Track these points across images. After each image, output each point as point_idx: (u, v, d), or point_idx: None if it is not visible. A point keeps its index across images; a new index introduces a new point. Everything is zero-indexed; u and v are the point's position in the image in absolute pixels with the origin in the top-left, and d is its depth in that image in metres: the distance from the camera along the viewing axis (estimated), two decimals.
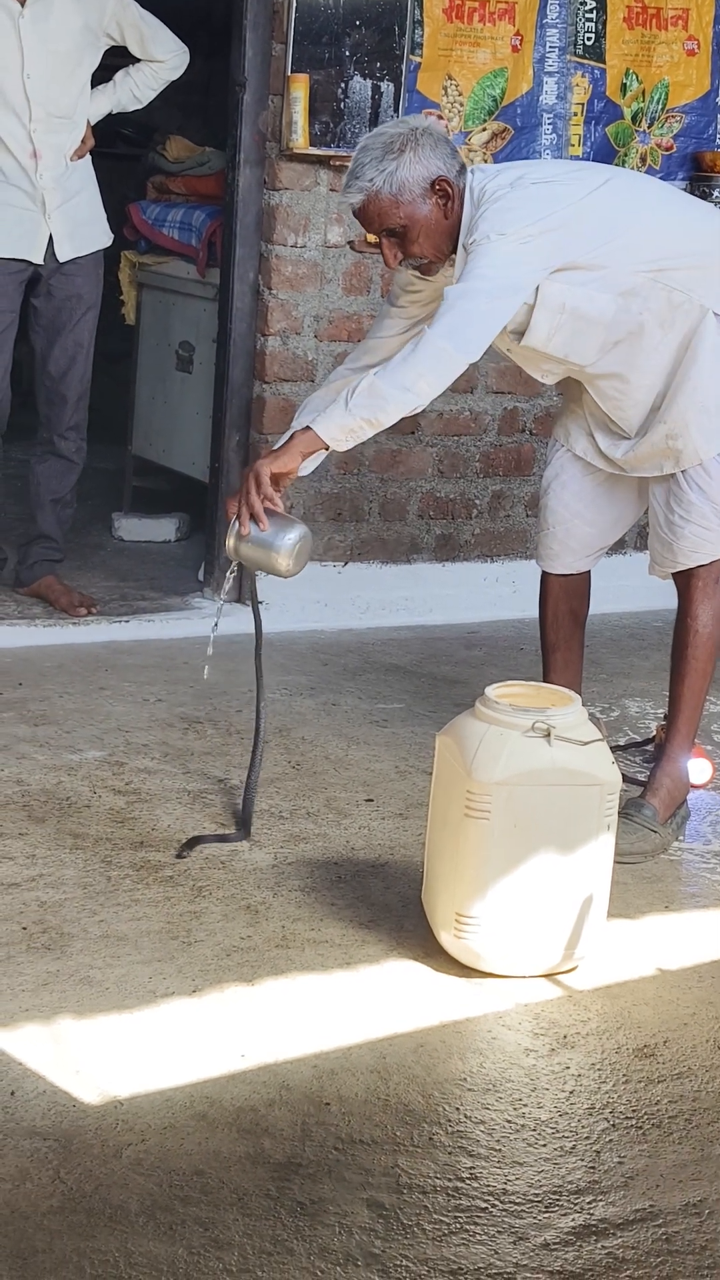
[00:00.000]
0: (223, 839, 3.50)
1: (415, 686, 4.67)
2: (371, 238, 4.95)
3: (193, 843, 3.46)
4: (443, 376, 3.29)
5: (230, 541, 3.36)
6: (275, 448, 3.41)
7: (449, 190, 3.36)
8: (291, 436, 3.37)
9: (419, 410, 3.36)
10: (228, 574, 3.56)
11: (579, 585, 3.89)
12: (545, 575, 3.89)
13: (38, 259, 4.74)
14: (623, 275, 3.42)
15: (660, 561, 3.70)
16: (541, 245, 3.32)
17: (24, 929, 3.07)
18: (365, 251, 5.06)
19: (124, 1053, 2.68)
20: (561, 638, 3.88)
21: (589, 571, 3.90)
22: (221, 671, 4.60)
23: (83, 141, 4.77)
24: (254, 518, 3.34)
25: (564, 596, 3.88)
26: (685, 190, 5.31)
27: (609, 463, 3.70)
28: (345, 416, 3.30)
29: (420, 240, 3.38)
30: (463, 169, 3.40)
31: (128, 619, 4.98)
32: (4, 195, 4.68)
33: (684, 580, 3.68)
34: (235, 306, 5.03)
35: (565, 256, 3.36)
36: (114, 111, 4.94)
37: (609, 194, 3.42)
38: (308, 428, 3.34)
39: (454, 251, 3.42)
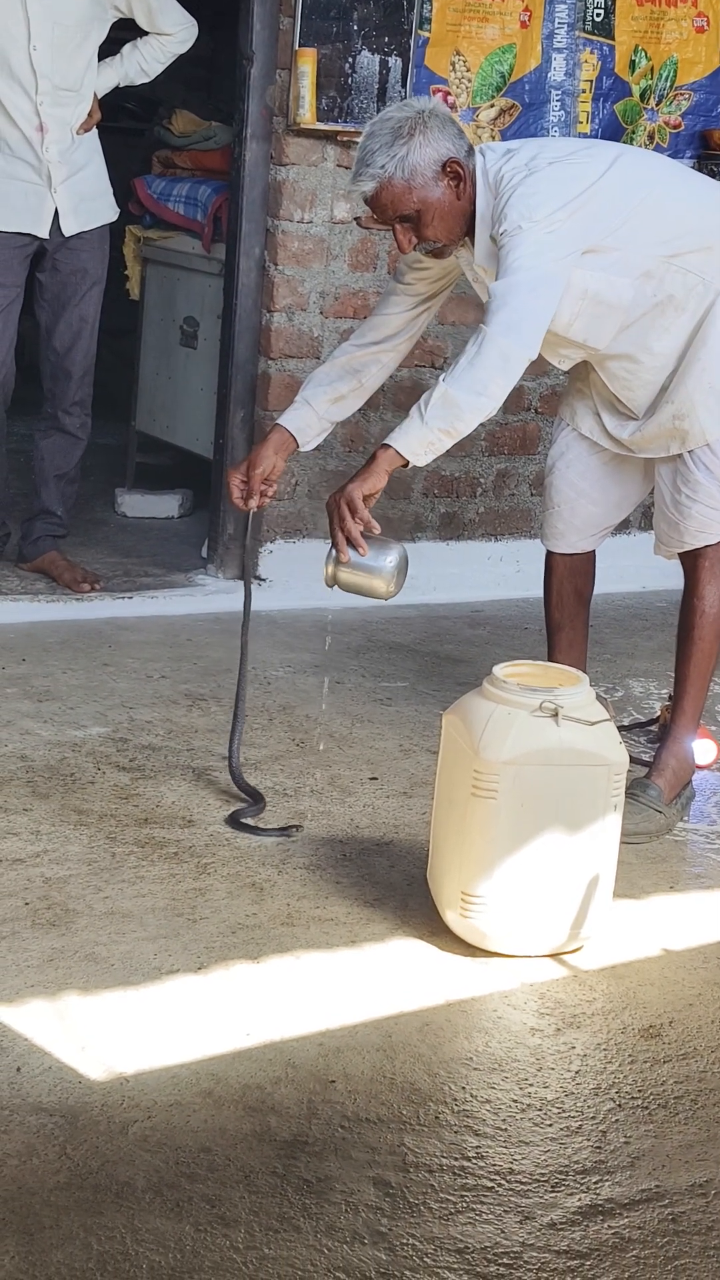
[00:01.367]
0: (254, 810, 3.53)
1: (419, 665, 4.66)
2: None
3: (235, 820, 3.48)
4: (510, 375, 3.27)
5: (329, 569, 3.33)
6: (359, 470, 3.36)
7: (460, 172, 3.33)
8: (374, 456, 3.32)
9: (492, 415, 3.33)
10: (248, 518, 3.53)
11: (584, 565, 3.88)
12: (550, 554, 3.88)
13: (43, 233, 4.72)
14: (638, 258, 3.41)
15: (666, 541, 3.69)
16: (572, 229, 3.31)
17: (28, 905, 3.06)
18: (372, 228, 5.03)
19: (130, 1029, 2.67)
20: (566, 617, 3.88)
21: (594, 551, 3.89)
22: (226, 649, 4.60)
23: (89, 115, 4.75)
24: (352, 544, 3.31)
25: (569, 576, 3.87)
26: (693, 169, 5.29)
27: (615, 443, 3.69)
28: (423, 430, 3.27)
29: (434, 224, 3.35)
30: (471, 150, 3.38)
31: (131, 595, 4.98)
32: (10, 169, 4.66)
33: (690, 560, 3.67)
34: (241, 282, 5.01)
35: (589, 239, 3.34)
36: (121, 85, 4.92)
37: (620, 172, 3.41)
38: (387, 445, 3.30)
39: (467, 233, 3.40)
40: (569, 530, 3.83)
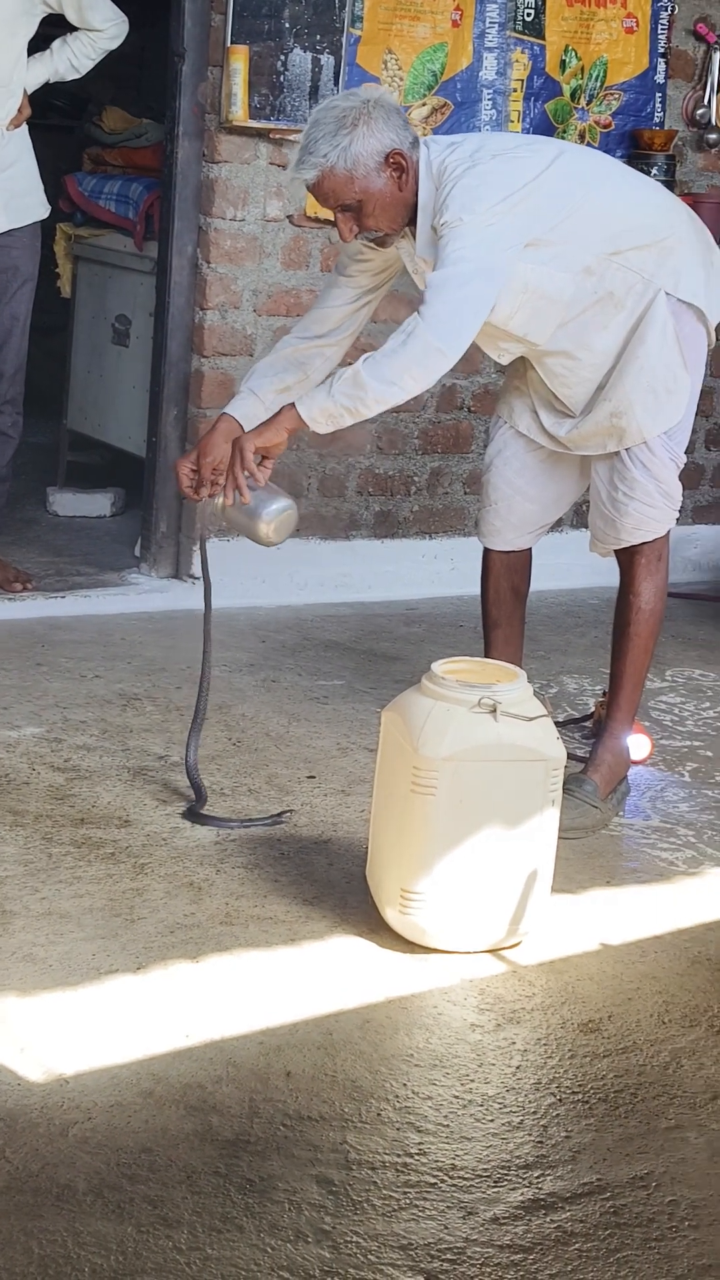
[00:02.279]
0: (198, 805, 3.54)
1: (355, 663, 4.66)
2: (315, 209, 4.95)
3: (201, 816, 3.49)
4: (430, 370, 3.29)
5: (216, 502, 3.45)
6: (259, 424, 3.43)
7: (403, 163, 3.33)
8: (279, 412, 3.37)
9: (401, 403, 3.35)
10: (199, 541, 3.61)
11: (521, 562, 3.89)
12: (487, 552, 3.89)
13: None
14: (580, 253, 3.42)
15: (603, 539, 3.71)
16: (512, 223, 3.31)
17: None
18: (305, 226, 5.03)
19: (69, 1030, 2.65)
20: (503, 614, 3.88)
21: (531, 548, 3.90)
22: (160, 648, 4.59)
23: (19, 111, 4.71)
24: (237, 489, 3.37)
25: (506, 573, 3.88)
26: None
27: (553, 440, 3.70)
28: (327, 401, 3.30)
29: (376, 214, 3.36)
30: (416, 141, 3.38)
31: (64, 595, 4.95)
32: None
33: (626, 557, 3.69)
34: (173, 280, 4.99)
35: (531, 233, 3.35)
36: (51, 81, 4.88)
37: (563, 168, 3.42)
38: (292, 405, 3.33)
39: (409, 223, 3.41)
40: (506, 528, 3.83)
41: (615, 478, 3.62)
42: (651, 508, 3.60)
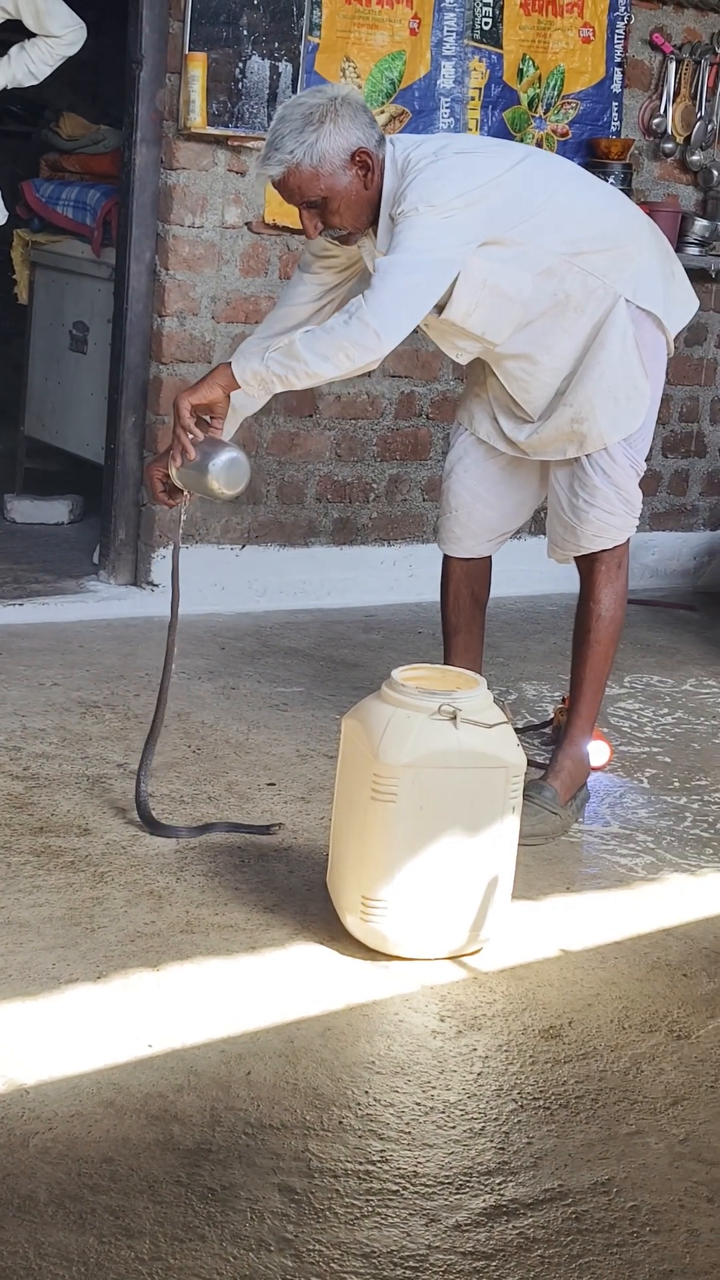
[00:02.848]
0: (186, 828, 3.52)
1: (314, 670, 4.66)
2: (274, 215, 4.94)
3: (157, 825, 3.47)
4: (365, 353, 3.28)
5: (172, 470, 3.46)
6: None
7: (369, 161, 3.33)
8: (215, 368, 3.40)
9: (334, 379, 3.37)
10: (173, 549, 3.62)
11: (480, 569, 3.90)
12: (447, 559, 3.89)
13: None
14: (541, 254, 3.42)
15: (562, 545, 3.72)
16: (469, 218, 3.32)
17: None
18: (263, 233, 5.03)
19: (29, 1040, 2.64)
20: (463, 621, 3.89)
21: (490, 556, 3.90)
22: (119, 655, 4.57)
23: None
24: (183, 450, 3.39)
25: (465, 580, 3.88)
26: None
27: (512, 446, 3.71)
28: (260, 365, 3.32)
29: (341, 211, 3.36)
30: (382, 139, 3.38)
31: (21, 602, 4.93)
32: None
33: (586, 564, 3.70)
34: (131, 287, 4.98)
35: (490, 230, 3.35)
36: (8, 87, 4.87)
37: (528, 169, 3.43)
38: (228, 363, 3.36)
39: (374, 222, 3.41)
40: (466, 535, 3.84)
41: (575, 484, 3.63)
42: (612, 515, 3.61)
